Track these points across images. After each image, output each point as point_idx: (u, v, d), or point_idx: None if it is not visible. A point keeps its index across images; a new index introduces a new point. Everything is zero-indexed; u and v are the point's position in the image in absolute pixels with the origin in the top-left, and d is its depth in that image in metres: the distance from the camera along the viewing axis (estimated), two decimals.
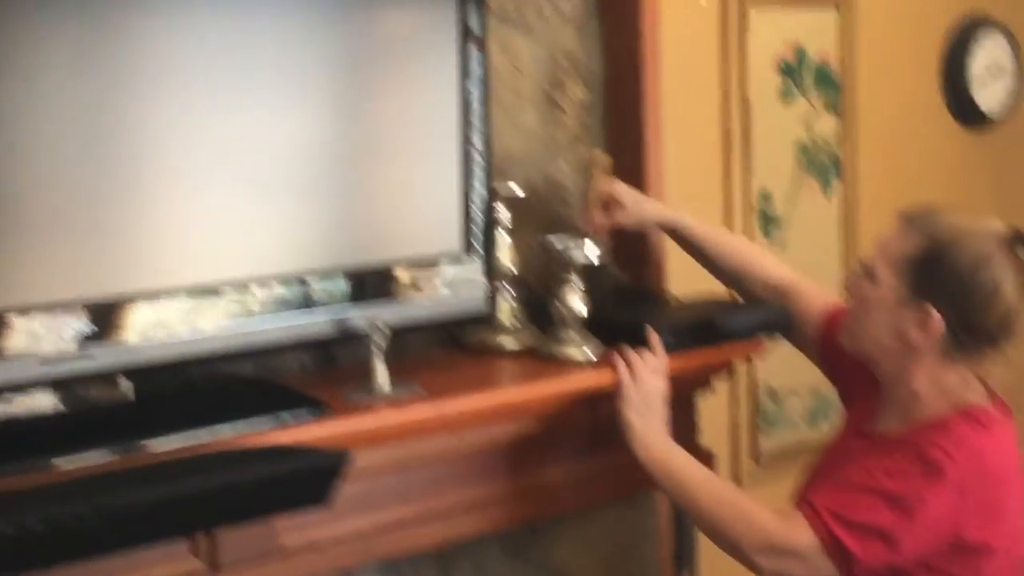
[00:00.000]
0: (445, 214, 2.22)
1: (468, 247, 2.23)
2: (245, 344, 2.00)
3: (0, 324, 1.77)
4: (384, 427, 2.00)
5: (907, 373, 2.14)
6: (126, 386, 1.92)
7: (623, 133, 2.60)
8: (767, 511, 2.09)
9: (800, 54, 3.14)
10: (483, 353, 2.33)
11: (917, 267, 2.11)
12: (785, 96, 3.13)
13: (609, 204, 2.43)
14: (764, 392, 3.12)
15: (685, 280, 2.56)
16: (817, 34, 3.18)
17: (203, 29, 1.92)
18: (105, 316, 1.85)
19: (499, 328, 2.35)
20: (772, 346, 2.49)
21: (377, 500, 2.13)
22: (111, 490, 1.72)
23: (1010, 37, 3.63)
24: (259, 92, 1.99)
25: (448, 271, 2.20)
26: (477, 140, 2.23)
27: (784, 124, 3.13)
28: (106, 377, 1.89)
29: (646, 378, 2.18)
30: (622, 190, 2.45)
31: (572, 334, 2.28)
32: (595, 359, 2.26)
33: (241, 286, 1.99)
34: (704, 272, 2.50)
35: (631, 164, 2.55)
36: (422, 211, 2.21)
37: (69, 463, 1.75)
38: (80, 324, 1.83)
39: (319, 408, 1.95)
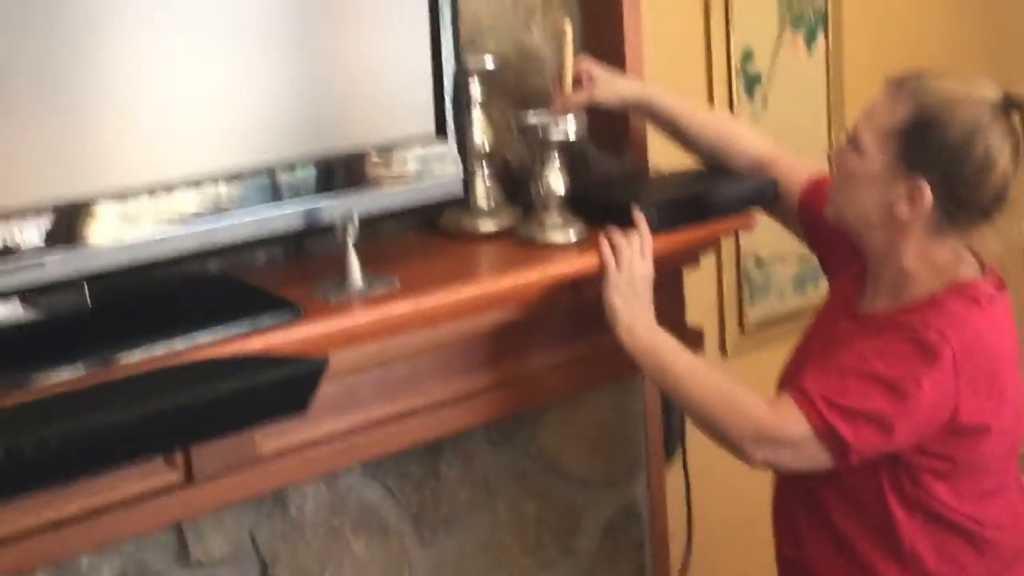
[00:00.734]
0: (415, 92, 2.08)
1: (440, 127, 2.10)
2: (210, 243, 1.87)
3: None
4: (360, 327, 1.90)
5: (896, 249, 2.05)
6: (86, 294, 1.80)
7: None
8: (758, 399, 2.02)
9: None
10: (461, 237, 2.23)
11: (905, 137, 1.99)
12: None
13: (581, 80, 2.29)
14: (750, 260, 3.03)
15: (667, 154, 2.46)
16: None
17: None
18: (59, 220, 1.73)
19: (476, 210, 2.24)
20: (758, 216, 2.39)
21: (356, 400, 2.05)
22: (81, 411, 1.63)
23: None
24: None
25: (420, 153, 2.08)
26: (446, 9, 2.08)
27: None
28: (65, 285, 1.76)
29: (632, 261, 2.08)
30: (594, 66, 2.31)
31: (553, 216, 2.18)
32: (578, 242, 2.16)
33: (203, 181, 1.85)
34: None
35: (608, 26, 2.42)
36: (390, 90, 2.07)
37: (31, 382, 1.64)
38: (32, 229, 1.70)
39: (292, 310, 1.84)
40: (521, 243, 2.18)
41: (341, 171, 2.00)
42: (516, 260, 2.12)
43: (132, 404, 1.67)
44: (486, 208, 2.24)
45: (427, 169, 2.08)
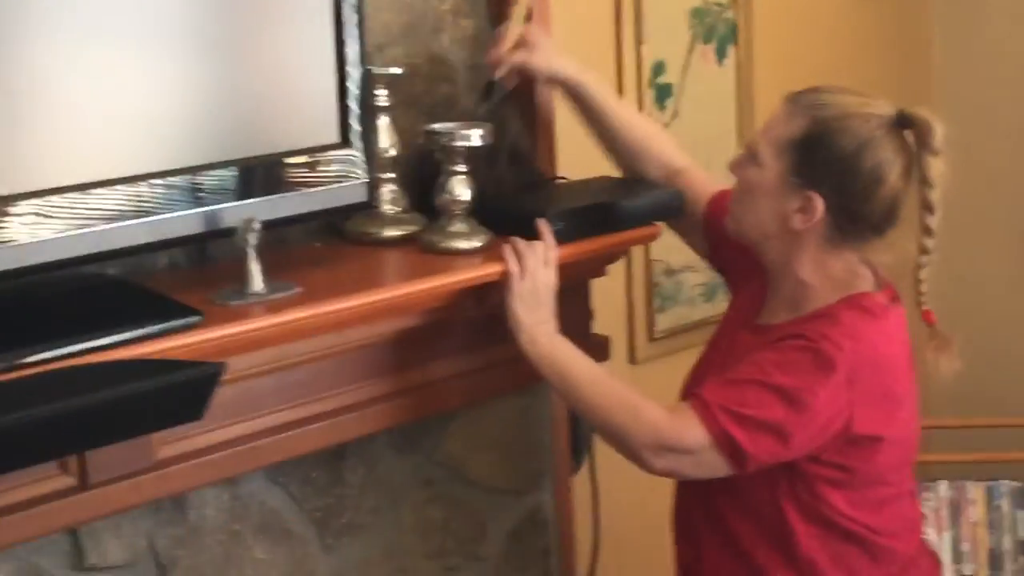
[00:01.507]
0: (320, 99, 2.08)
1: (345, 134, 2.10)
2: (111, 245, 1.86)
3: None
4: (260, 332, 1.89)
5: (792, 260, 2.08)
6: None
7: (508, 3, 2.46)
8: (657, 407, 2.04)
9: None
10: (365, 243, 2.23)
11: (799, 150, 2.03)
12: None
13: (521, 45, 2.29)
14: (660, 269, 3.06)
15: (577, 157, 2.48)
16: None
17: None
18: None
19: (381, 217, 2.24)
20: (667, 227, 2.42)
21: (257, 404, 2.05)
22: None
23: None
24: None
25: (325, 159, 2.07)
26: (352, 18, 2.08)
27: None
28: None
29: (535, 270, 2.10)
30: (539, 34, 2.31)
31: (458, 224, 2.18)
32: (482, 250, 2.17)
33: (103, 183, 1.83)
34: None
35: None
36: (296, 97, 2.07)
37: None
38: None
39: (190, 315, 1.83)
40: (425, 250, 2.18)
41: (246, 176, 1.99)
42: (419, 267, 2.13)
43: (24, 408, 1.65)
44: (391, 215, 2.24)
45: (331, 176, 2.08)
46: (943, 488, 3.36)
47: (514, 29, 2.29)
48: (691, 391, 2.11)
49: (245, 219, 1.93)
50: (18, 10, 1.74)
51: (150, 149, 1.91)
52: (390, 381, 2.19)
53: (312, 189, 2.06)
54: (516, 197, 2.37)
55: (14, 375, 1.68)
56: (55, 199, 1.79)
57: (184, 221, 1.93)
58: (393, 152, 2.23)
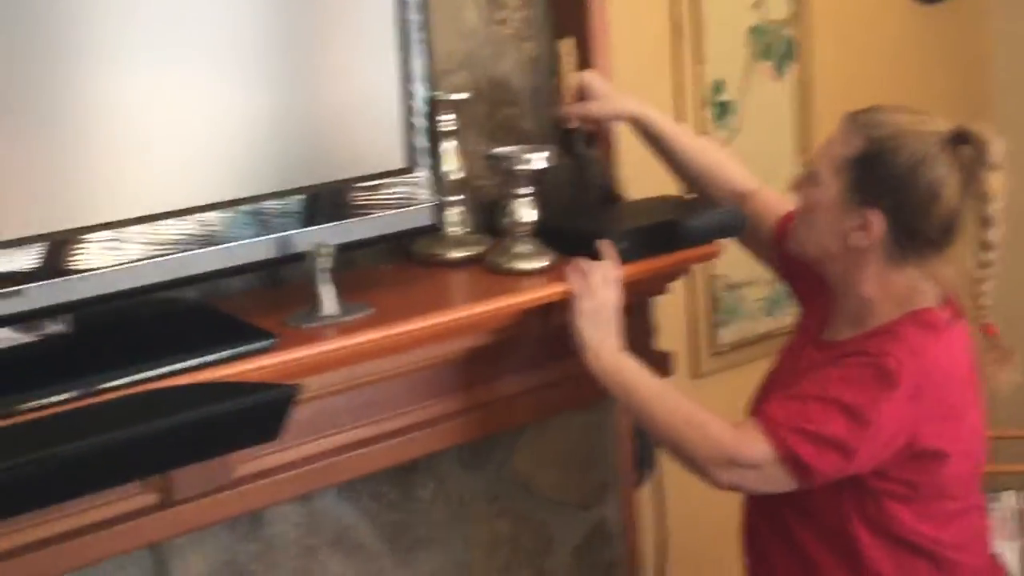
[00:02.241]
0: (387, 125, 2.13)
1: (412, 159, 2.15)
2: (188, 272, 1.92)
3: None
4: (333, 354, 1.95)
5: (854, 278, 2.12)
6: (67, 322, 1.86)
7: (568, 26, 2.51)
8: (722, 422, 2.08)
9: None
10: (432, 265, 2.28)
11: (857, 168, 2.07)
12: None
13: (582, 94, 2.37)
14: (721, 285, 3.09)
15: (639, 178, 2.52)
16: None
17: None
18: (42, 250, 1.78)
19: (448, 239, 2.30)
20: (731, 243, 2.46)
21: (331, 423, 2.10)
22: (58, 438, 1.67)
23: None
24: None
25: (392, 186, 2.13)
26: (417, 47, 2.14)
27: (735, 9, 3.06)
28: (46, 313, 1.81)
29: (599, 289, 2.14)
30: (595, 81, 2.38)
31: (522, 245, 2.23)
32: (546, 270, 2.22)
33: (182, 212, 1.91)
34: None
35: (578, 58, 2.47)
36: (364, 124, 2.12)
37: (11, 408, 1.69)
38: (15, 261, 1.75)
39: (266, 338, 1.90)
40: (491, 271, 2.23)
41: (316, 203, 2.05)
42: (486, 287, 2.17)
43: (110, 430, 1.72)
44: (457, 236, 2.30)
45: (399, 200, 2.13)
46: (1009, 498, 3.36)
47: (568, 82, 2.36)
48: (758, 406, 2.15)
49: (316, 244, 1.99)
50: (91, 47, 1.81)
51: (225, 178, 1.97)
52: (459, 398, 2.24)
53: (380, 213, 2.12)
54: (579, 217, 2.41)
55: (100, 399, 1.75)
56: (134, 229, 1.86)
57: (257, 247, 1.99)
58: (458, 175, 2.29)
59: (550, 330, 2.23)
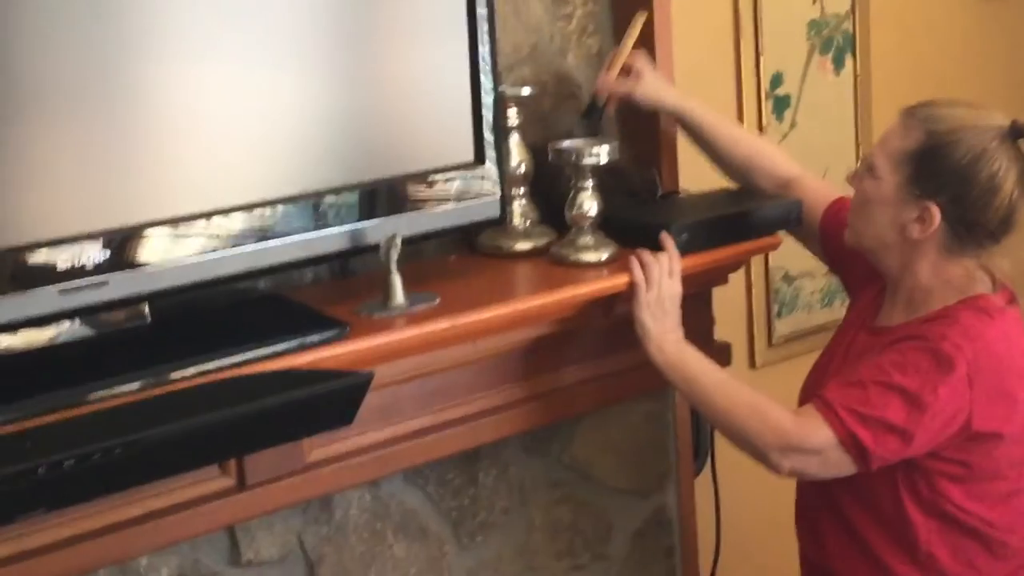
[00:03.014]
0: (455, 120, 2.18)
1: (479, 152, 2.20)
2: (261, 264, 1.98)
3: (16, 258, 1.77)
4: (403, 343, 2.01)
5: (911, 267, 2.15)
6: (145, 312, 1.92)
7: (631, 19, 2.55)
8: (783, 410, 2.12)
9: None
10: (498, 256, 2.33)
11: (916, 162, 2.10)
12: None
13: (631, 72, 2.40)
14: (778, 275, 3.12)
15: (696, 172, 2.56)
16: None
17: None
18: (120, 244, 1.84)
19: (512, 231, 2.34)
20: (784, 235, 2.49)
21: (399, 411, 2.16)
22: (140, 424, 1.74)
23: None
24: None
25: (460, 177, 2.18)
26: (485, 41, 2.18)
27: (795, 3, 3.08)
28: (126, 304, 1.88)
29: (661, 281, 2.18)
30: (646, 63, 2.41)
31: (586, 237, 2.28)
32: (609, 261, 2.26)
33: (254, 206, 1.96)
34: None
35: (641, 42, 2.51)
36: (432, 118, 2.17)
37: (97, 396, 1.76)
38: (96, 252, 1.82)
39: (339, 328, 1.95)
40: (555, 262, 2.28)
41: (384, 195, 2.11)
42: (550, 279, 2.22)
43: (189, 417, 1.78)
44: (522, 229, 2.35)
45: (466, 192, 2.18)
46: None
47: (622, 55, 2.39)
48: (811, 392, 2.18)
49: (388, 236, 2.04)
50: (157, 45, 1.86)
51: (300, 170, 2.03)
52: (523, 387, 2.29)
53: (449, 205, 2.17)
54: (641, 210, 2.45)
55: (179, 386, 1.82)
56: (217, 220, 1.93)
57: (329, 239, 2.05)
58: (523, 168, 2.34)
59: (612, 320, 2.28)
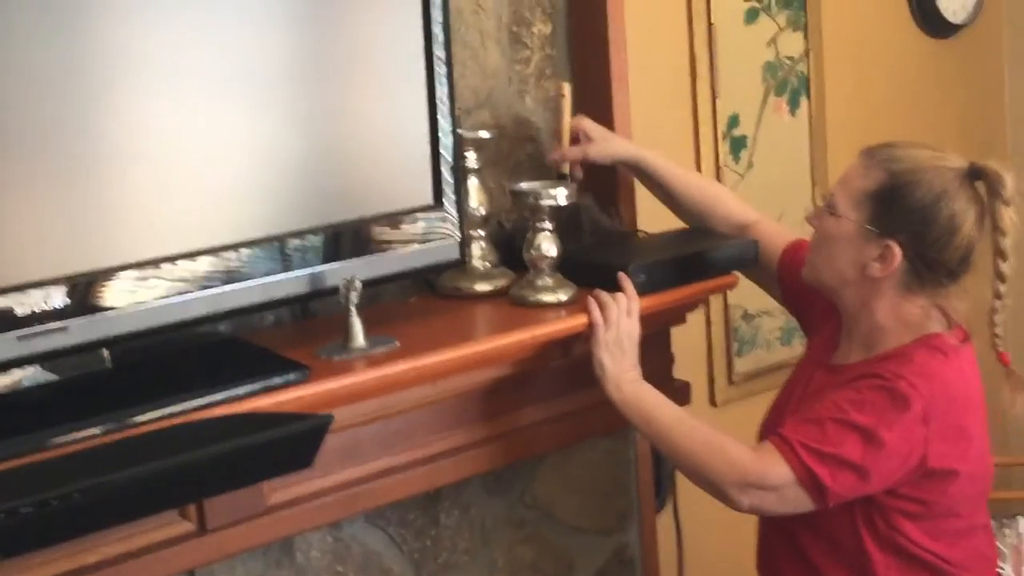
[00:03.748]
0: (414, 164, 2.21)
1: (438, 195, 2.23)
2: (221, 308, 1.99)
3: None
4: (363, 385, 2.02)
5: (869, 306, 2.18)
6: (105, 357, 1.93)
7: (588, 63, 2.59)
8: (741, 446, 2.14)
9: None
10: (457, 298, 2.35)
11: (877, 201, 2.14)
12: (750, 17, 3.11)
13: (579, 138, 2.44)
14: (737, 314, 3.15)
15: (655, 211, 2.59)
16: None
17: None
18: (80, 289, 1.85)
19: (472, 273, 2.36)
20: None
21: (359, 452, 2.16)
22: (99, 469, 1.74)
23: None
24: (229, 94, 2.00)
25: (419, 220, 2.20)
26: (443, 83, 2.20)
27: (750, 46, 3.13)
28: (85, 349, 1.89)
29: (619, 321, 2.21)
30: (591, 125, 2.45)
31: (545, 278, 2.30)
32: (568, 302, 2.28)
33: (215, 250, 1.98)
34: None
35: (597, 94, 2.55)
36: (391, 162, 2.20)
37: (56, 441, 1.76)
38: (56, 298, 1.83)
39: (298, 370, 1.96)
40: (515, 304, 2.30)
41: (345, 239, 2.12)
42: (509, 320, 2.24)
43: (148, 461, 1.78)
44: (481, 270, 2.37)
45: (426, 235, 2.20)
46: (1023, 524, 3.40)
47: (565, 127, 2.43)
48: (770, 430, 2.21)
49: (346, 279, 2.05)
50: (119, 89, 1.88)
51: (255, 215, 2.04)
52: (483, 427, 2.30)
53: (409, 248, 2.19)
54: (599, 251, 2.47)
55: (139, 431, 1.82)
56: (179, 264, 1.94)
57: (288, 283, 2.06)
58: (482, 211, 2.36)
59: (572, 360, 2.30)
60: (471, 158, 2.35)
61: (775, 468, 2.10)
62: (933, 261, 2.14)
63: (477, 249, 2.37)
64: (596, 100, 2.54)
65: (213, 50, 1.97)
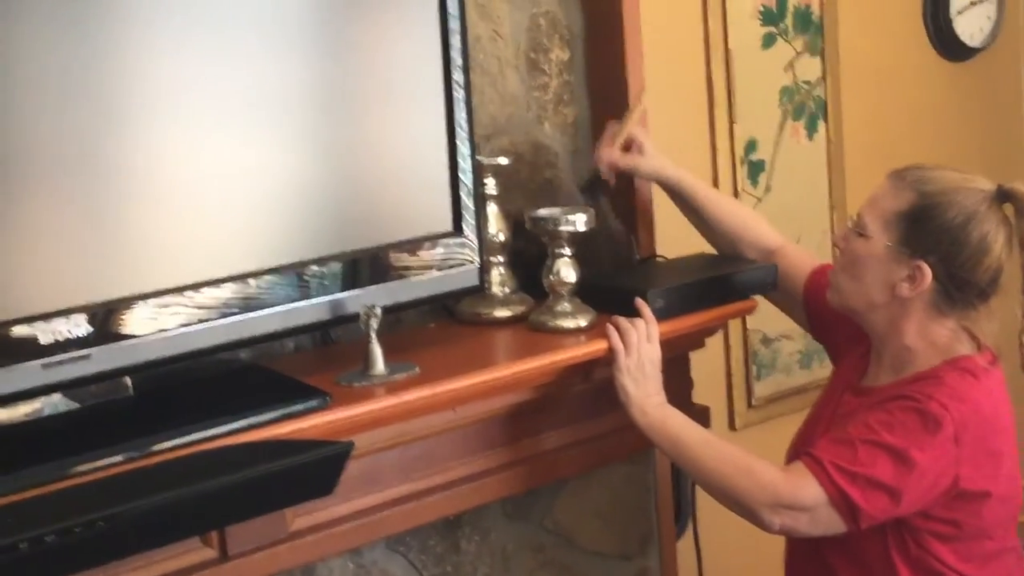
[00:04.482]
0: (433, 191, 2.22)
1: (457, 222, 2.24)
2: (243, 335, 2.01)
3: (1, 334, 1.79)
4: (383, 411, 2.03)
5: (898, 327, 2.18)
6: (128, 385, 1.95)
7: (606, 89, 2.60)
8: (772, 467, 2.14)
9: None
10: (477, 324, 2.36)
11: (908, 221, 2.14)
12: (767, 42, 3.12)
13: (631, 147, 2.46)
14: (756, 338, 3.15)
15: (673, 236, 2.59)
16: None
17: None
18: (103, 317, 1.87)
19: (491, 299, 2.37)
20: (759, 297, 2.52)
21: (380, 478, 2.17)
22: (122, 497, 1.75)
23: None
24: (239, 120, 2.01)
25: (439, 249, 2.21)
26: (462, 109, 2.22)
27: (767, 70, 3.13)
28: (108, 377, 1.90)
29: (639, 346, 2.21)
30: (646, 137, 2.48)
31: (564, 304, 2.31)
32: (587, 328, 2.29)
33: (238, 278, 1.99)
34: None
35: (615, 119, 2.56)
36: (411, 190, 2.21)
37: (79, 470, 1.77)
38: (80, 327, 1.84)
39: (319, 397, 1.97)
40: (534, 329, 2.31)
41: (365, 266, 2.14)
42: (529, 346, 2.25)
43: (171, 489, 1.80)
44: (500, 296, 2.38)
45: (445, 262, 2.22)
46: None
47: (626, 131, 2.45)
48: (800, 451, 2.20)
49: (367, 306, 2.06)
50: (138, 119, 1.90)
51: (277, 242, 2.06)
52: (504, 453, 2.31)
53: (428, 274, 2.20)
54: (618, 277, 2.48)
55: (161, 458, 1.83)
56: (200, 292, 1.96)
57: (309, 310, 2.08)
58: (502, 237, 2.37)
59: (592, 386, 2.30)
60: (490, 184, 2.36)
61: (807, 488, 2.09)
62: (963, 282, 2.14)
63: (496, 275, 2.38)
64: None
65: (233, 80, 1.99)
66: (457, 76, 2.21)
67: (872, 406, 2.16)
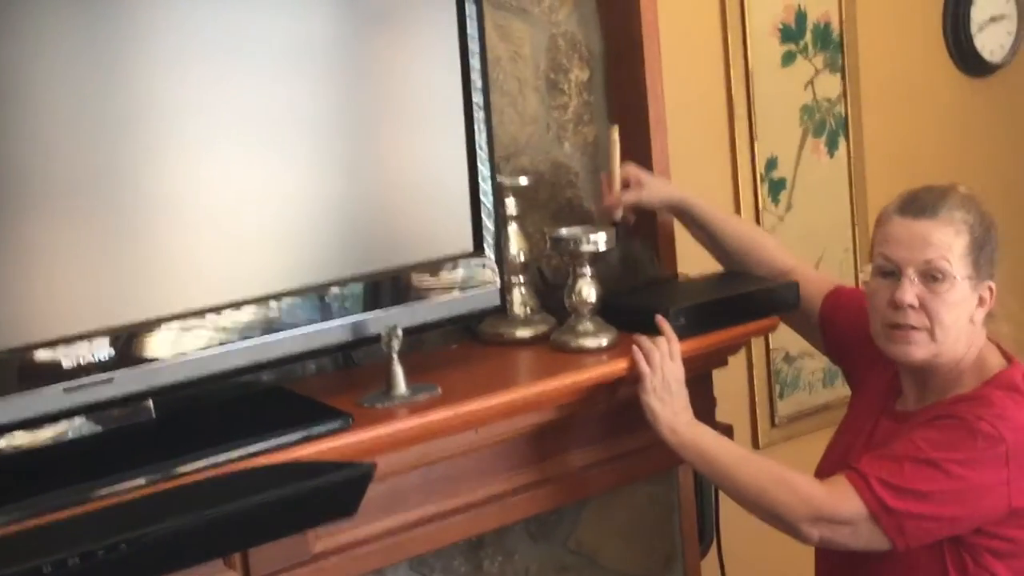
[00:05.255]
0: (454, 212, 2.23)
1: (478, 243, 2.24)
2: (265, 357, 2.01)
3: (21, 358, 1.79)
4: (405, 432, 2.03)
5: (958, 353, 2.16)
6: (150, 407, 1.95)
7: (627, 109, 2.60)
8: (810, 480, 2.13)
9: (800, 16, 3.13)
10: (498, 344, 2.36)
11: (977, 250, 2.14)
12: (787, 60, 3.12)
13: (629, 182, 2.45)
14: (779, 356, 3.14)
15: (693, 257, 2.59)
16: None
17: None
18: (125, 341, 1.87)
19: (513, 319, 2.37)
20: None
21: (403, 499, 2.17)
22: (145, 519, 1.76)
23: None
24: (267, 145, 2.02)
25: (460, 268, 2.22)
26: (482, 130, 2.22)
27: (787, 88, 3.13)
28: (130, 400, 1.91)
29: (663, 364, 2.20)
30: (638, 170, 2.47)
31: (585, 323, 2.30)
32: (609, 347, 2.28)
33: (259, 300, 2.00)
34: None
35: (636, 139, 2.56)
36: (431, 211, 2.22)
37: (102, 493, 1.78)
38: (102, 350, 1.85)
39: (341, 419, 1.97)
40: (556, 349, 2.30)
41: (386, 287, 2.14)
42: (551, 365, 2.25)
43: (193, 511, 1.80)
44: (522, 316, 2.37)
45: (466, 282, 2.22)
46: None
47: (615, 172, 2.44)
48: (845, 466, 2.16)
49: (388, 327, 2.06)
50: (161, 142, 1.91)
51: (298, 264, 2.06)
52: (527, 473, 2.30)
53: (449, 295, 2.20)
54: (640, 295, 2.48)
55: (184, 481, 1.83)
56: (222, 314, 1.96)
57: (331, 331, 2.08)
58: (522, 257, 2.37)
59: (614, 405, 2.29)
60: (510, 204, 2.36)
61: (848, 502, 2.07)
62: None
63: (518, 295, 2.38)
64: (635, 145, 2.55)
65: (254, 102, 1.99)
66: (477, 97, 2.21)
67: (916, 427, 2.14)
